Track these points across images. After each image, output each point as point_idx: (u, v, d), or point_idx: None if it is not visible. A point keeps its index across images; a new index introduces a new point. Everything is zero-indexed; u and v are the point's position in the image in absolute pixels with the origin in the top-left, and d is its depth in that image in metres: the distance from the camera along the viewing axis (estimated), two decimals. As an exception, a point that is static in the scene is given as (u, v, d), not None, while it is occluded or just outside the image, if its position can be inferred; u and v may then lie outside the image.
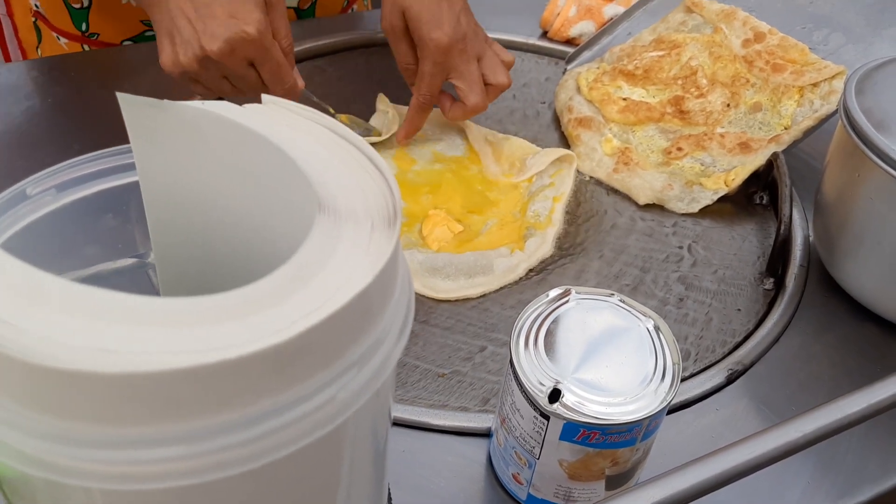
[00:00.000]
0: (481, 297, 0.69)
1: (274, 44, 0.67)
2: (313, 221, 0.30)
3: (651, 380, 0.47)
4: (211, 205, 0.36)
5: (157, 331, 0.25)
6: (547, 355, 0.48)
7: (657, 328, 0.50)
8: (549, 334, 0.49)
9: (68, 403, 0.25)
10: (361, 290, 0.27)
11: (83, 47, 0.93)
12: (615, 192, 0.80)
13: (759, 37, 0.84)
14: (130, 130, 0.35)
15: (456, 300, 0.69)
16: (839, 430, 0.44)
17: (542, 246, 0.73)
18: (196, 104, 0.34)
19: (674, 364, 0.48)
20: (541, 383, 0.47)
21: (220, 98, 0.69)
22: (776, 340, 0.66)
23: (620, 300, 0.51)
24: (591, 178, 0.81)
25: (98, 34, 0.93)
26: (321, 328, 0.26)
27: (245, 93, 0.71)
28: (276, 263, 0.30)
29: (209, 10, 0.64)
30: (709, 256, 0.74)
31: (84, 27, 0.92)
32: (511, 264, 0.71)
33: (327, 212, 0.30)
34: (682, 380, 0.62)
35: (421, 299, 0.68)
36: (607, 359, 0.48)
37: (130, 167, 0.36)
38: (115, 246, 0.41)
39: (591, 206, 0.79)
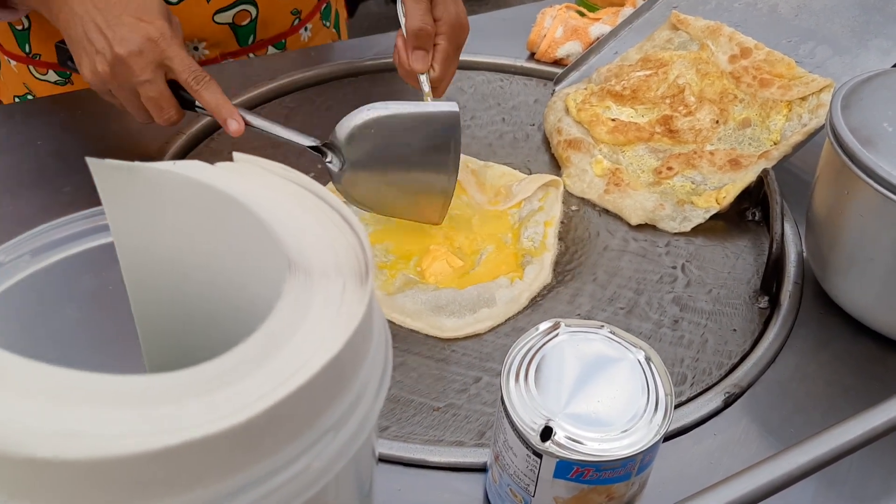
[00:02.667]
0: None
1: (181, 45, 0.69)
2: (284, 282, 0.30)
3: (644, 413, 0.47)
4: (186, 263, 0.36)
5: (123, 410, 0.25)
6: (538, 392, 0.47)
7: (648, 359, 0.49)
8: (540, 369, 0.49)
9: (37, 488, 0.24)
10: (332, 357, 0.26)
11: (29, 68, 0.96)
12: (607, 213, 0.80)
13: (745, 52, 0.84)
14: (102, 193, 0.34)
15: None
16: (835, 459, 0.43)
17: (541, 273, 0.72)
18: (166, 165, 0.34)
19: (666, 395, 0.47)
20: (532, 421, 0.46)
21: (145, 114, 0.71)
22: (773, 360, 0.65)
23: (610, 332, 0.51)
24: (582, 199, 0.81)
25: (40, 55, 0.95)
26: (291, 400, 0.25)
27: (164, 110, 0.70)
28: (254, 320, 0.30)
29: (117, 19, 0.67)
30: (703, 276, 0.73)
31: (27, 48, 0.94)
32: (513, 294, 0.70)
33: (298, 272, 0.30)
34: (680, 404, 0.62)
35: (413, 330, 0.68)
36: (599, 393, 0.47)
37: (104, 228, 0.36)
38: (96, 306, 0.41)
39: (583, 228, 0.78)
